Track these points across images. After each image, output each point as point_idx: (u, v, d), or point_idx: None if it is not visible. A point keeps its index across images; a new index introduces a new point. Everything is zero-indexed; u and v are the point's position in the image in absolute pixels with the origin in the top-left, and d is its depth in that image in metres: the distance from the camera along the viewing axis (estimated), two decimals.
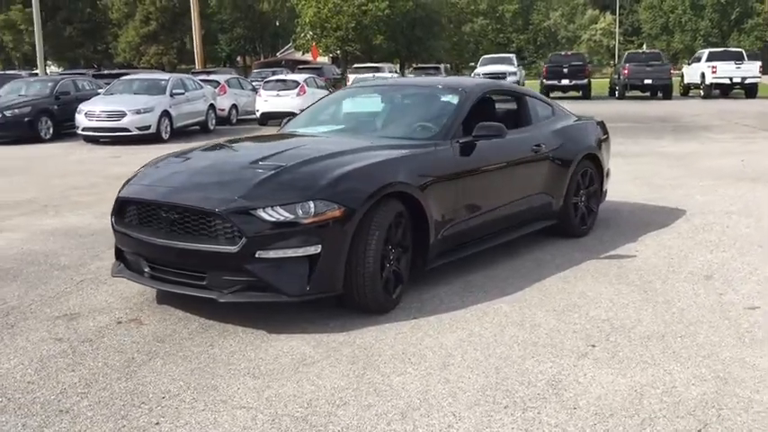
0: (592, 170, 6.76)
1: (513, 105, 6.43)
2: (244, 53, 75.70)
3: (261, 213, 4.18)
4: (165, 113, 16.79)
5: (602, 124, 7.32)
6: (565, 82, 30.62)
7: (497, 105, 6.42)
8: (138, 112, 16.26)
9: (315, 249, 4.22)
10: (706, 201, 8.36)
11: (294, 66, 41.19)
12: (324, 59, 57.70)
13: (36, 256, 6.23)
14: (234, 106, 21.53)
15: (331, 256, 4.27)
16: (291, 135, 5.86)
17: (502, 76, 30.73)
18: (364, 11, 53.65)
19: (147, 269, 4.62)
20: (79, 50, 65.11)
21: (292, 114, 18.96)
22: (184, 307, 4.69)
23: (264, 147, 5.45)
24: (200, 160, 5.06)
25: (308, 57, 54.37)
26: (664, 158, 12.27)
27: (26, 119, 16.98)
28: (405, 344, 4.14)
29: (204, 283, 4.35)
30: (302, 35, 56.70)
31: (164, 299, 4.88)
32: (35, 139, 17.00)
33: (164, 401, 3.44)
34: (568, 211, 6.47)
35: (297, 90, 20.98)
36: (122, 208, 4.78)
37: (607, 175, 7.30)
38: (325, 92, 22.31)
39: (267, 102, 20.88)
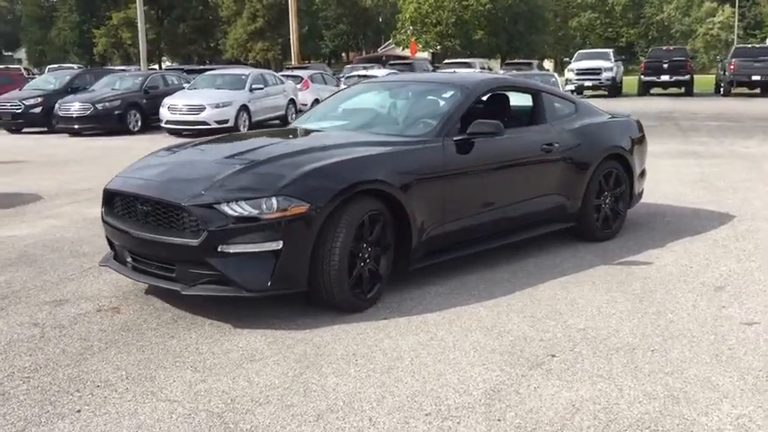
0: (618, 171, 6.44)
1: (526, 102, 6.20)
2: (347, 49, 76.70)
3: (224, 207, 4.21)
4: (244, 108, 17.22)
5: (636, 123, 6.96)
6: (664, 78, 29.40)
7: (512, 102, 6.21)
8: (216, 106, 16.76)
9: (276, 245, 4.21)
10: (762, 206, 7.82)
11: (386, 61, 41.30)
12: (424, 55, 57.73)
13: (63, 243, 6.51)
14: (316, 101, 21.77)
15: (294, 253, 4.26)
16: (289, 130, 5.88)
17: (596, 71, 29.81)
18: (465, 6, 53.28)
19: (129, 260, 4.75)
20: (191, 47, 67.76)
21: None
22: (167, 299, 4.79)
23: (251, 142, 5.47)
24: (184, 154, 5.16)
25: (408, 52, 54.54)
26: (740, 160, 11.58)
27: (116, 112, 17.82)
28: (360, 344, 4.08)
29: (173, 275, 4.43)
30: (402, 31, 56.84)
31: (152, 290, 4.99)
32: (124, 130, 17.83)
33: (97, 390, 3.52)
34: (587, 213, 6.19)
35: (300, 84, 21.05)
36: (110, 200, 4.93)
37: (641, 176, 6.96)
38: (333, 87, 22.34)
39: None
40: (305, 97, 21.14)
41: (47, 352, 3.99)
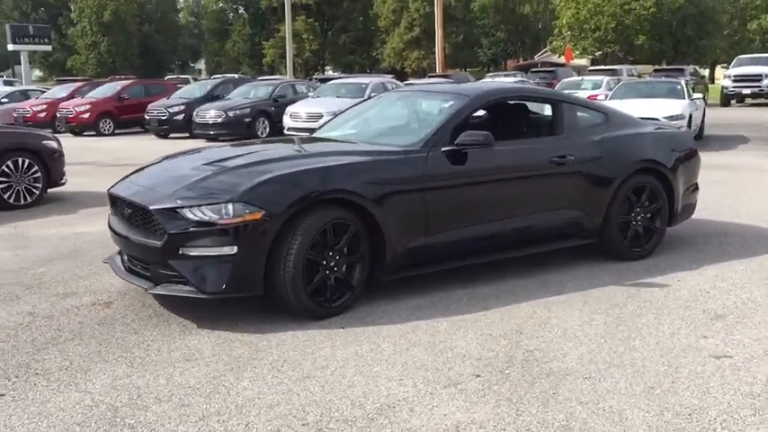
0: (654, 186, 6.06)
1: (541, 113, 5.98)
2: (506, 56, 75.96)
3: (186, 212, 4.44)
4: None
5: (685, 136, 6.51)
6: None
7: (527, 111, 6.01)
8: (334, 114, 17.21)
9: (231, 250, 4.38)
10: None
11: (530, 68, 40.49)
12: (582, 61, 56.18)
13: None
14: None
15: (248, 258, 4.40)
16: (288, 139, 6.03)
17: (757, 78, 27.67)
18: (627, 10, 51.23)
19: (125, 260, 5.10)
20: (351, 56, 69.97)
21: None
22: (162, 298, 5.04)
23: (241, 149, 5.59)
24: (176, 161, 5.44)
25: (564, 59, 53.30)
26: None
27: (246, 119, 18.83)
28: (297, 351, 4.16)
29: (149, 275, 4.72)
30: (559, 37, 55.53)
31: None
32: (254, 137, 18.76)
33: (33, 378, 3.84)
34: (610, 230, 5.88)
35: None
36: (112, 203, 5.31)
37: (690, 191, 6.50)
38: None
39: None
40: None
41: (19, 339, 4.39)
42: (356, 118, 6.29)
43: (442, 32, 39.01)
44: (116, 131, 21.64)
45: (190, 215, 4.43)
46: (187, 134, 19.90)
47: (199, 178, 4.69)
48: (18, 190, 9.05)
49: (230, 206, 4.40)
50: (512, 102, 5.99)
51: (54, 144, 9.53)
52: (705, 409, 3.40)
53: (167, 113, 19.94)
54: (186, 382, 3.76)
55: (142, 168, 5.51)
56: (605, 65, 45.62)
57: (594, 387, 3.65)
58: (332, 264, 4.68)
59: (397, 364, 3.98)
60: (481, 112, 6.17)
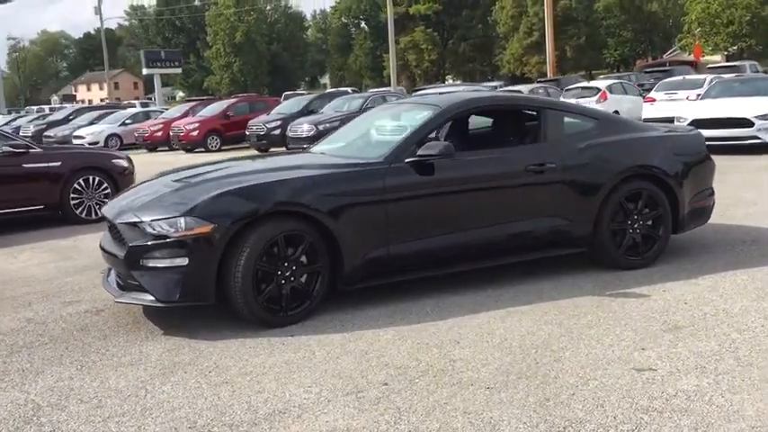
0: (652, 192, 5.84)
1: (523, 121, 5.90)
2: (634, 57, 73.24)
3: (145, 226, 4.77)
4: None
5: (692, 139, 6.22)
6: None
7: (507, 120, 5.94)
8: None
9: (182, 261, 4.67)
10: None
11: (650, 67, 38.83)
12: (716, 58, 53.39)
13: None
14: (615, 113, 21.45)
15: (199, 269, 4.67)
16: (266, 155, 6.24)
17: None
18: (763, 1, 48.27)
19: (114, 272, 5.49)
20: (471, 65, 69.87)
21: None
22: (151, 309, 5.38)
23: (215, 166, 5.81)
24: (162, 177, 5.76)
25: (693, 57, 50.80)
26: None
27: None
28: (232, 358, 4.37)
29: (123, 285, 5.09)
30: (688, 34, 52.98)
31: None
32: None
33: None
34: (602, 239, 5.72)
35: (596, 97, 20.20)
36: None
37: (702, 196, 6.20)
38: (634, 98, 21.13)
39: None
40: None
41: (3, 343, 4.86)
42: (349, 130, 6.45)
43: (553, 35, 38.22)
44: (222, 147, 22.80)
45: (149, 229, 4.76)
46: (284, 148, 20.66)
47: (162, 194, 5.02)
48: (89, 205, 9.83)
49: (182, 220, 4.69)
50: (489, 111, 5.94)
51: (123, 163, 10.28)
52: (583, 423, 3.32)
53: (265, 129, 20.81)
54: (116, 386, 4.06)
55: (136, 185, 5.91)
56: (741, 60, 43.09)
57: (489, 398, 3.64)
58: (287, 274, 4.86)
59: (318, 371, 4.11)
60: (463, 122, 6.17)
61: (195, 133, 22.56)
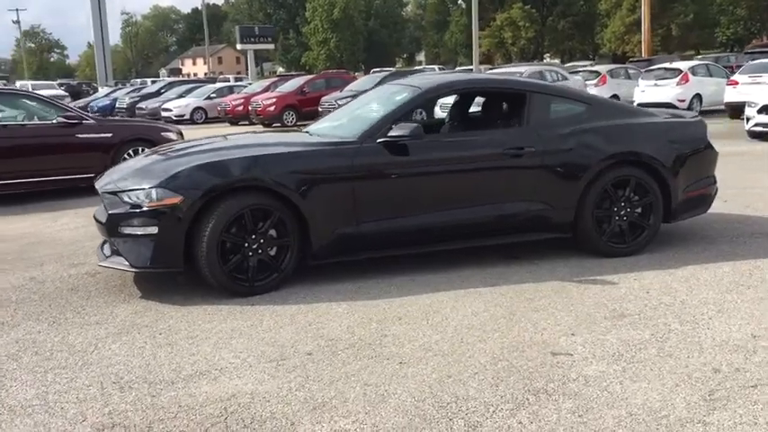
0: (641, 179, 5.74)
1: (508, 104, 5.88)
2: (749, 36, 69.48)
3: (123, 195, 5.11)
4: None
5: (693, 126, 6.05)
6: None
7: (491, 103, 5.94)
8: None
9: (153, 230, 4.98)
10: None
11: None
12: None
13: None
14: (614, 97, 20.95)
15: (168, 238, 4.97)
16: (259, 131, 6.44)
17: None
18: None
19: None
20: (569, 43, 68.10)
21: (670, 106, 18.04)
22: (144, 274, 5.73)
23: (207, 140, 6.07)
24: (155, 151, 6.08)
25: None
26: None
27: None
28: (188, 323, 4.64)
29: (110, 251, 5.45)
30: None
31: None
32: None
33: None
34: (585, 225, 5.68)
35: (677, 79, 19.46)
36: None
37: (700, 186, 6.04)
38: (720, 80, 20.21)
39: (644, 92, 19.87)
40: (601, 93, 20.50)
41: None
42: (345, 110, 6.60)
43: (651, 13, 36.83)
44: (298, 123, 23.32)
45: (126, 198, 5.09)
46: None
47: (143, 166, 5.35)
48: None
49: (154, 191, 5.00)
50: (471, 94, 5.95)
51: (172, 136, 10.78)
52: (469, 400, 3.42)
53: (336, 105, 21.12)
54: (73, 341, 4.41)
55: (131, 159, 6.29)
56: None
57: (396, 372, 3.77)
58: (254, 246, 5.09)
59: (255, 339, 4.33)
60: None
61: (272, 108, 23.16)
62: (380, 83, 21.57)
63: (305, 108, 23.35)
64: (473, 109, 6.73)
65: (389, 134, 5.29)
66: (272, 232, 5.17)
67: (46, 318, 4.86)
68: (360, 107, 6.35)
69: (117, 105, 29.87)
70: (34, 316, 4.90)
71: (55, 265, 6.22)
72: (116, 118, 20.82)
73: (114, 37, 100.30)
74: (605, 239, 5.74)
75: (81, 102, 34.19)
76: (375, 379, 3.70)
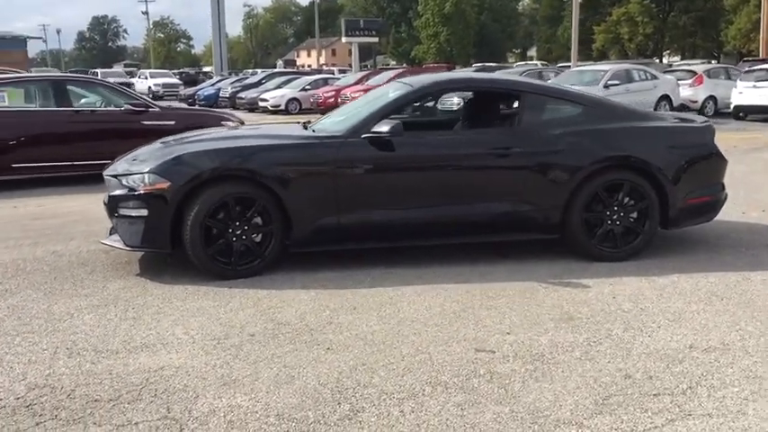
0: (636, 184, 5.65)
1: (499, 104, 5.88)
2: None
3: (122, 179, 5.51)
4: None
5: (692, 132, 5.88)
6: None
7: (483, 102, 5.95)
8: None
9: (144, 212, 5.35)
10: None
11: None
12: None
13: None
14: (711, 98, 20.11)
15: (156, 220, 5.33)
16: (266, 125, 6.67)
17: None
18: None
19: None
20: (691, 39, 65.28)
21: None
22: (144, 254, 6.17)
23: (218, 130, 6.41)
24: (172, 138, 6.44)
25: None
26: None
27: None
28: (161, 300, 4.97)
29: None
30: None
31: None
32: None
33: None
34: (573, 227, 5.65)
35: None
36: None
37: (705, 193, 5.87)
38: None
39: (742, 94, 18.95)
40: (696, 94, 19.77)
41: (16, 269, 5.84)
42: (351, 106, 6.78)
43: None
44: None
45: (124, 182, 5.49)
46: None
47: (144, 153, 5.73)
48: None
49: (147, 176, 5.37)
50: (467, 92, 6.00)
51: (231, 124, 11.27)
52: (367, 386, 3.57)
53: None
54: (55, 310, 4.82)
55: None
56: None
57: (317, 357, 3.95)
58: (238, 232, 5.38)
59: (213, 319, 4.61)
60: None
61: (332, 100, 23.67)
62: None
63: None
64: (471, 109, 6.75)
65: (372, 130, 5.44)
66: (258, 220, 5.43)
67: (44, 288, 5.31)
68: (363, 104, 6.51)
69: (220, 94, 31.14)
70: (36, 285, 5.37)
71: (80, 241, 6.73)
72: (181, 106, 21.68)
73: (237, 28, 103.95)
74: (595, 243, 5.68)
75: (190, 90, 35.92)
76: (295, 362, 3.89)
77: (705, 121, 6.12)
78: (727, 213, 7.29)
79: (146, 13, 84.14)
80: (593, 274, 5.40)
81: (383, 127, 5.40)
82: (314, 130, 5.91)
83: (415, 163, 5.55)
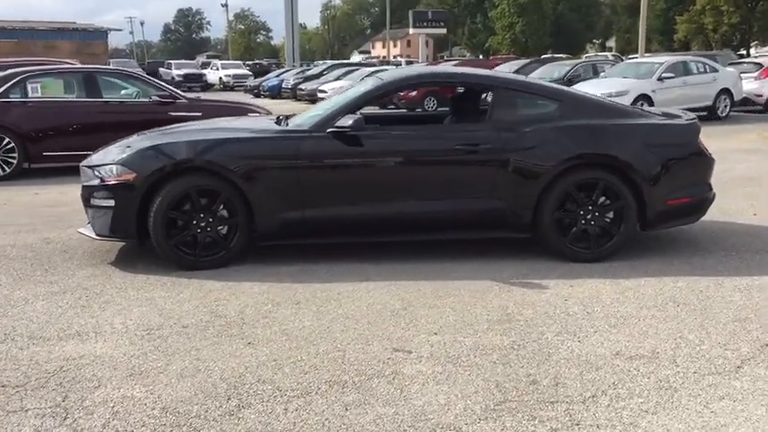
0: (611, 183, 5.44)
1: (472, 99, 5.72)
2: None
3: (95, 170, 5.65)
4: (643, 97, 16.58)
5: (673, 130, 5.61)
6: None
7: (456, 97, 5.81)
8: (609, 95, 16.52)
9: (111, 203, 5.48)
10: None
11: None
12: None
13: None
14: None
15: (122, 211, 5.44)
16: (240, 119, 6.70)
17: None
18: None
19: None
20: None
21: None
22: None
23: (198, 123, 6.43)
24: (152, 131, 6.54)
25: None
26: None
27: None
28: (117, 289, 5.08)
29: None
30: None
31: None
32: None
33: None
34: (543, 226, 5.48)
35: None
36: None
37: (687, 194, 5.61)
38: None
39: None
40: (762, 88, 18.87)
41: (4, 254, 6.07)
42: (332, 99, 6.71)
43: None
44: (438, 108, 23.48)
45: (96, 173, 5.62)
46: None
47: (119, 145, 5.85)
48: None
49: (115, 167, 5.49)
50: (438, 87, 5.86)
51: (254, 116, 11.40)
52: (267, 383, 3.56)
53: None
54: (15, 296, 4.98)
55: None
56: None
57: (234, 351, 3.96)
58: (202, 224, 5.44)
59: (157, 309, 4.68)
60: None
61: (414, 94, 23.44)
62: (519, 70, 21.22)
63: (447, 94, 23.40)
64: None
65: (335, 125, 5.40)
66: (224, 212, 5.48)
67: (16, 274, 5.50)
68: (342, 98, 6.46)
69: (283, 86, 31.55)
70: (10, 271, 5.57)
71: (73, 230, 6.91)
72: (209, 98, 21.85)
73: (315, 20, 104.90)
74: (567, 242, 5.49)
75: (256, 81, 36.54)
76: (209, 355, 3.91)
77: (691, 119, 5.81)
78: (738, 214, 6.98)
79: (225, 5, 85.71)
80: (560, 275, 5.23)
81: (345, 121, 5.35)
82: (287, 124, 5.90)
83: (381, 158, 5.48)
